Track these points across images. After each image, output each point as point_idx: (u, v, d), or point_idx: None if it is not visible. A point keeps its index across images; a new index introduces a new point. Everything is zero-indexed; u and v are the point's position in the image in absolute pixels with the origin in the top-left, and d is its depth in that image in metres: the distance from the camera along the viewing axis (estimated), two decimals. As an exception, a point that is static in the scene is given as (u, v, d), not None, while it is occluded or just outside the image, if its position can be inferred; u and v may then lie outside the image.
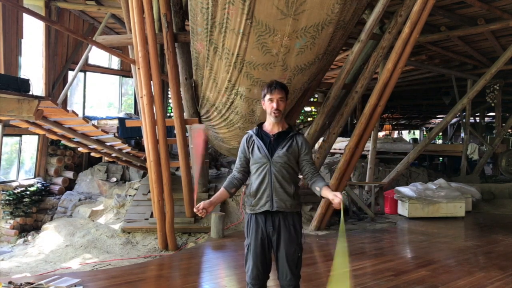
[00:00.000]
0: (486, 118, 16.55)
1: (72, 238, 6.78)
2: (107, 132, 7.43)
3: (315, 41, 4.31)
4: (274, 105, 2.57)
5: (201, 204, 2.49)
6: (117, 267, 5.03)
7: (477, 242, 6.10)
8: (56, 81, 9.45)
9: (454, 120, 15.20)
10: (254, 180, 2.63)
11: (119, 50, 9.28)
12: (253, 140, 2.65)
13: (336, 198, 2.40)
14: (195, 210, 2.50)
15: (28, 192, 8.33)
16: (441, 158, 15.40)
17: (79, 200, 8.67)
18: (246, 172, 2.71)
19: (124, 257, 5.59)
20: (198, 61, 5.12)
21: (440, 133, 16.55)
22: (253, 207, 2.62)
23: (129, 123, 6.78)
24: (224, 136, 6.17)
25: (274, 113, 2.58)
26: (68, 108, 5.91)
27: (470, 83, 10.81)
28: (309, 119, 15.76)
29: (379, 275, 4.42)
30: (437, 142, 18.32)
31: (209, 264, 5.17)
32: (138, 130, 7.95)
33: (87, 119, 6.51)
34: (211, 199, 2.57)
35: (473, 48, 9.25)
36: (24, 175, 8.96)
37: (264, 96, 2.63)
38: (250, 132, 2.72)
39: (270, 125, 2.66)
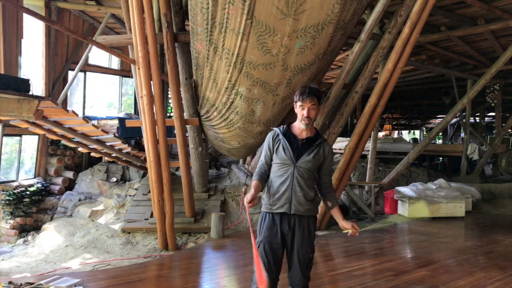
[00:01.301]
0: (486, 118, 16.55)
1: (72, 238, 6.78)
2: (107, 132, 7.44)
3: (315, 41, 4.31)
4: (305, 113, 2.59)
5: (248, 200, 2.46)
6: (117, 267, 5.03)
7: (477, 242, 6.10)
8: (56, 81, 9.46)
9: (454, 120, 15.20)
10: (274, 179, 2.64)
11: (119, 50, 9.28)
12: (279, 139, 2.66)
13: (354, 230, 2.59)
14: (247, 205, 2.46)
15: (28, 192, 8.33)
16: (441, 158, 15.40)
17: (79, 200, 8.67)
18: (270, 168, 2.71)
19: (124, 257, 5.59)
20: (198, 61, 5.12)
21: (440, 133, 16.55)
22: (271, 206, 2.63)
23: (129, 123, 6.78)
24: (224, 136, 6.17)
25: (304, 120, 2.61)
26: (68, 108, 5.92)
27: (470, 83, 10.81)
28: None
29: (379, 275, 4.42)
30: (437, 142, 18.32)
31: (209, 264, 5.16)
32: (138, 130, 7.95)
33: (87, 119, 6.52)
34: (251, 192, 2.52)
35: (473, 48, 9.25)
36: (24, 175, 8.96)
37: (296, 102, 2.65)
38: (277, 130, 2.72)
39: (299, 130, 2.67)
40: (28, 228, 8.20)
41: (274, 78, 4.69)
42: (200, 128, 6.55)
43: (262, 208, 2.72)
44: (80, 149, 7.77)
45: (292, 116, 6.51)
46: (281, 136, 2.66)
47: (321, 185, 2.73)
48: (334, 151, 11.40)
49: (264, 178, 2.69)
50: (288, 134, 2.67)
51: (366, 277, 4.37)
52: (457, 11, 7.36)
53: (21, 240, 7.72)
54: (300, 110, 2.62)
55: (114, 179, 9.27)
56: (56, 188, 9.04)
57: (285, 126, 2.73)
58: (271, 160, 2.69)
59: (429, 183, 8.51)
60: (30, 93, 4.72)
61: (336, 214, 2.71)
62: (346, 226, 2.63)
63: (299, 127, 2.68)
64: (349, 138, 6.54)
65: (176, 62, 5.75)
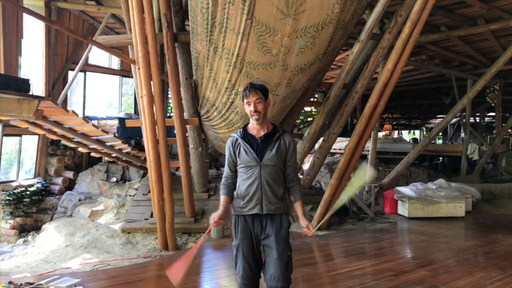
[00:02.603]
0: (486, 118, 16.55)
1: (72, 238, 6.78)
2: (107, 132, 7.43)
3: (315, 41, 4.31)
4: (252, 108, 2.57)
5: (214, 220, 2.54)
6: (117, 267, 5.03)
7: (477, 242, 6.10)
8: (56, 81, 9.45)
9: (454, 120, 15.20)
10: (242, 183, 2.62)
11: (119, 50, 9.28)
12: (239, 143, 2.64)
13: (308, 231, 2.60)
14: (212, 225, 2.57)
15: (28, 192, 8.33)
16: (441, 158, 15.40)
17: (79, 200, 8.67)
18: (236, 175, 2.70)
19: (124, 257, 5.59)
20: (198, 61, 5.12)
21: (440, 133, 16.55)
22: (242, 209, 2.62)
23: (129, 123, 6.78)
24: (224, 136, 6.17)
25: (253, 115, 2.58)
26: (68, 108, 5.92)
27: (470, 83, 10.81)
28: (309, 119, 15.77)
29: (379, 275, 4.42)
30: (437, 142, 18.32)
31: (209, 264, 5.16)
32: (138, 130, 7.95)
33: (87, 119, 6.52)
34: (219, 211, 2.58)
35: (473, 48, 9.25)
36: (24, 175, 8.96)
37: (243, 101, 2.63)
38: (234, 135, 2.70)
39: (255, 128, 2.65)
40: (28, 228, 8.19)
41: (274, 78, 4.69)
42: (200, 128, 6.55)
43: (233, 212, 2.71)
44: (80, 149, 7.76)
45: (292, 116, 6.51)
46: (240, 140, 2.64)
47: (285, 178, 2.68)
48: (334, 151, 11.45)
49: (232, 189, 2.69)
50: (246, 136, 2.65)
51: (366, 277, 4.37)
52: (457, 11, 7.36)
53: (21, 240, 7.71)
54: (247, 107, 2.60)
55: (114, 179, 9.27)
56: (56, 188, 9.04)
57: (241, 130, 2.71)
58: (236, 166, 2.67)
59: (429, 183, 8.51)
60: (30, 93, 4.72)
61: (298, 208, 2.68)
62: (302, 224, 2.63)
63: (253, 126, 2.66)
64: (349, 138, 6.54)
65: (176, 62, 5.75)
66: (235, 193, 2.69)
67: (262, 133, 2.64)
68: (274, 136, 2.64)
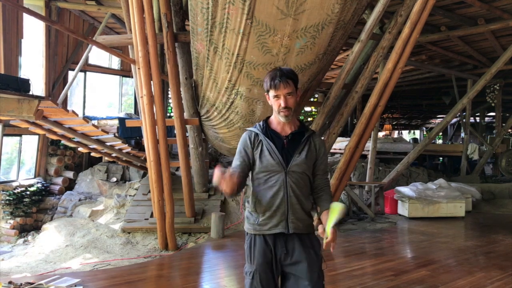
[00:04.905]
0: (486, 118, 16.55)
1: (72, 238, 6.78)
2: (107, 132, 7.43)
3: (315, 41, 4.31)
4: (282, 102, 2.03)
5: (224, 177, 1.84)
6: (117, 267, 5.03)
7: (477, 242, 6.10)
8: (56, 81, 9.46)
9: (454, 120, 15.20)
10: (262, 193, 2.07)
11: (119, 50, 9.28)
12: (260, 140, 2.09)
13: (330, 245, 1.93)
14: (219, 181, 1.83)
15: (28, 192, 8.33)
16: (441, 158, 15.40)
17: (79, 200, 8.67)
18: (245, 179, 2.12)
19: (124, 257, 5.59)
20: (198, 61, 5.12)
21: (440, 133, 16.55)
22: (260, 227, 2.08)
23: (129, 123, 6.79)
24: (224, 136, 6.17)
25: (282, 112, 2.05)
26: (68, 108, 5.91)
27: (470, 83, 10.81)
28: (309, 119, 15.76)
29: (379, 275, 4.42)
30: (437, 142, 18.32)
31: (209, 264, 5.16)
32: (138, 130, 7.95)
33: (87, 119, 6.52)
34: (229, 174, 1.85)
35: (473, 48, 9.25)
36: (24, 175, 8.96)
37: (268, 91, 2.08)
38: (253, 129, 2.14)
39: (280, 124, 2.12)
40: (28, 228, 8.20)
41: (274, 78, 4.68)
42: (200, 128, 6.55)
43: (247, 230, 2.18)
44: (80, 149, 7.76)
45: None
46: (262, 136, 2.09)
47: (314, 189, 2.17)
48: (334, 151, 11.43)
49: (245, 177, 2.08)
50: (269, 133, 2.11)
51: (366, 277, 4.37)
52: (457, 11, 7.36)
53: (21, 240, 7.72)
54: (275, 100, 2.06)
55: (114, 179, 9.27)
56: (56, 188, 9.04)
57: (262, 122, 2.15)
58: (248, 170, 2.10)
59: (429, 183, 8.51)
60: (30, 93, 4.72)
61: (324, 216, 2.10)
62: (324, 231, 2.01)
63: (278, 121, 2.12)
64: (349, 138, 6.54)
65: (176, 62, 5.75)
66: (249, 205, 2.15)
67: (288, 131, 2.11)
68: (303, 136, 2.12)
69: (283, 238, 2.06)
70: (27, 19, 8.25)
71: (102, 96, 11.62)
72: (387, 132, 18.19)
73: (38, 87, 8.88)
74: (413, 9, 5.02)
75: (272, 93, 2.05)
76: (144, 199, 7.36)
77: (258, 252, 2.08)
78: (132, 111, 11.58)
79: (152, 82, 5.31)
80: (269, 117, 2.19)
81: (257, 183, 2.10)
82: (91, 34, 9.70)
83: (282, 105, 2.03)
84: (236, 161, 2.12)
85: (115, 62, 11.29)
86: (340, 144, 10.70)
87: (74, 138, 6.98)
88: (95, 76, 10.86)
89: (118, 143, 7.67)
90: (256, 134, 2.11)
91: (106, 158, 8.42)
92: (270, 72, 2.07)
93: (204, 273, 4.77)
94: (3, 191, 8.03)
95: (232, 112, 5.33)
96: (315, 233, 2.14)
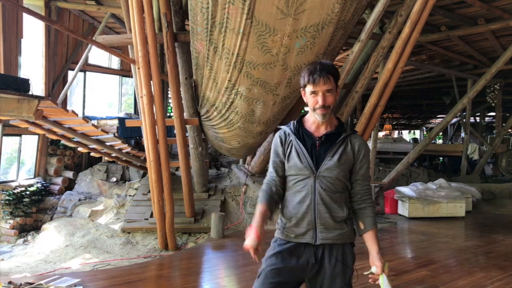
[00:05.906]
0: (486, 118, 16.56)
1: (72, 238, 6.78)
2: (107, 132, 7.43)
3: (315, 41, 4.31)
4: (320, 100, 1.85)
5: (250, 247, 1.83)
6: (117, 267, 5.03)
7: (477, 242, 6.09)
8: (56, 81, 9.45)
9: (454, 120, 15.20)
10: (290, 198, 1.94)
11: (119, 50, 9.28)
12: (291, 140, 1.94)
13: (376, 277, 1.88)
14: (252, 252, 1.83)
15: (28, 192, 8.33)
16: (441, 158, 15.40)
17: (79, 200, 8.67)
18: (285, 182, 1.98)
19: (124, 257, 5.59)
20: (198, 61, 5.11)
21: (440, 133, 16.55)
22: (288, 234, 1.93)
23: (129, 123, 6.78)
24: (224, 136, 6.17)
25: (319, 110, 1.87)
26: (68, 108, 5.91)
27: (470, 83, 10.81)
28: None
29: (379, 275, 4.41)
30: (437, 142, 18.32)
31: (209, 264, 5.16)
32: (138, 130, 7.95)
33: (87, 119, 6.51)
34: (253, 230, 1.83)
35: (473, 48, 9.25)
36: (24, 175, 8.96)
37: (305, 86, 1.90)
38: (286, 128, 2.00)
39: (315, 124, 1.94)
40: (28, 228, 8.19)
41: (274, 78, 4.68)
42: (200, 128, 6.55)
43: (275, 233, 2.01)
44: (80, 149, 7.76)
45: (292, 116, 6.50)
46: (292, 137, 1.94)
47: (352, 197, 1.97)
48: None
49: (275, 199, 1.94)
50: (301, 132, 1.95)
51: (366, 277, 4.36)
52: (457, 11, 7.36)
53: (21, 240, 7.71)
54: (312, 97, 1.87)
55: (114, 179, 9.27)
56: (56, 188, 9.04)
57: (295, 122, 1.99)
58: (284, 170, 1.96)
59: (429, 183, 8.51)
60: (30, 93, 4.72)
61: (370, 241, 1.91)
62: (377, 263, 1.89)
63: (313, 120, 1.94)
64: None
65: (176, 62, 5.74)
66: (280, 209, 2.01)
67: (323, 131, 1.93)
68: (339, 137, 1.92)
69: (312, 249, 1.90)
70: (27, 19, 8.25)
71: (102, 96, 11.62)
72: (387, 132, 18.20)
73: (37, 87, 8.88)
74: (413, 9, 5.02)
75: (309, 88, 1.87)
76: (144, 199, 7.36)
77: (277, 255, 1.93)
78: (132, 111, 11.58)
79: (152, 82, 5.31)
80: (304, 115, 2.02)
81: (287, 186, 1.96)
82: (91, 34, 9.70)
83: (320, 103, 1.85)
84: (270, 168, 2.01)
85: (115, 62, 11.29)
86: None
87: (74, 138, 6.98)
88: (95, 76, 10.86)
89: (118, 143, 7.67)
90: (287, 134, 1.97)
91: (106, 158, 8.41)
92: (309, 65, 1.89)
93: (204, 273, 4.76)
94: (3, 191, 8.03)
95: (232, 112, 5.33)
96: (351, 244, 1.98)
